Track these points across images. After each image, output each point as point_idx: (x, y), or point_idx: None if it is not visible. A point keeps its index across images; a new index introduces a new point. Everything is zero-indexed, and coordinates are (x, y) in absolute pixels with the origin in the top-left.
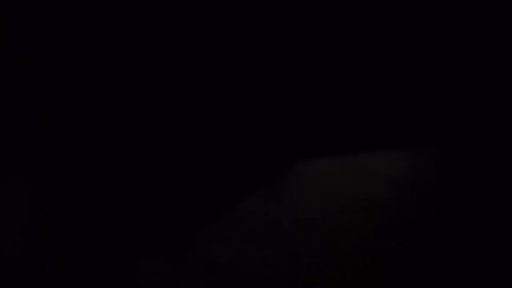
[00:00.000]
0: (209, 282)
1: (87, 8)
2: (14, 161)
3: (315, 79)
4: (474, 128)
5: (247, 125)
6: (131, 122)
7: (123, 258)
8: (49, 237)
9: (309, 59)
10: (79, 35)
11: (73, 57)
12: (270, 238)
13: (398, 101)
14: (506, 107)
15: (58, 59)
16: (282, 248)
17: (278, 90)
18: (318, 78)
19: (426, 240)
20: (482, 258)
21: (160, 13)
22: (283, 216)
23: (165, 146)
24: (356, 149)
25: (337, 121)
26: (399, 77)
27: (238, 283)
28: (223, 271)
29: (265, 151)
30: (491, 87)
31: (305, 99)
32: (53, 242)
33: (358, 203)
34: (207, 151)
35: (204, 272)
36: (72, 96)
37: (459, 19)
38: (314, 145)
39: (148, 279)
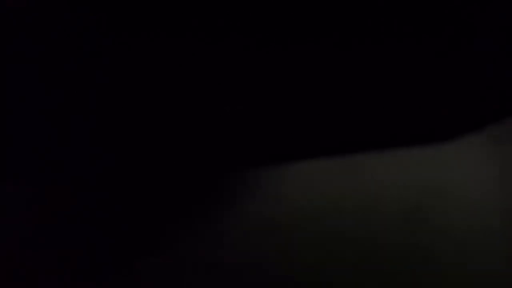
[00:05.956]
0: (209, 282)
1: (87, 7)
2: (14, 163)
3: (314, 79)
4: (474, 128)
5: (247, 125)
6: (131, 123)
7: (123, 258)
8: (48, 237)
9: (308, 59)
10: (79, 34)
11: (73, 56)
12: (270, 238)
13: (398, 101)
14: (506, 108)
15: (58, 59)
16: (282, 248)
17: (277, 90)
18: (317, 78)
19: (426, 241)
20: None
21: (160, 12)
22: (283, 216)
23: (164, 146)
24: (356, 149)
25: (336, 121)
26: (399, 77)
27: (238, 283)
28: (223, 271)
29: (264, 151)
30: (491, 87)
31: (304, 99)
32: (52, 242)
33: (358, 203)
34: (206, 151)
35: (204, 272)
36: (72, 96)
37: (458, 19)
38: (314, 145)
39: (148, 279)
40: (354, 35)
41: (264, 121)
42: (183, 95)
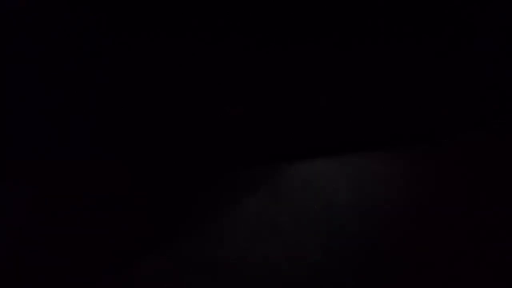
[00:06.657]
0: (209, 282)
1: (87, 7)
2: (14, 163)
3: (313, 79)
4: (474, 128)
5: (247, 125)
6: (131, 123)
7: (123, 258)
8: (48, 237)
9: (308, 59)
10: (79, 34)
11: (73, 56)
12: (270, 238)
13: (397, 101)
14: (505, 107)
15: (58, 59)
16: (282, 248)
17: (276, 90)
18: (316, 78)
19: (427, 241)
20: (483, 258)
21: (160, 12)
22: (283, 216)
23: (164, 146)
24: (355, 149)
25: (336, 121)
26: (399, 77)
27: (238, 283)
28: (223, 271)
29: (264, 150)
30: (490, 87)
31: (304, 98)
32: (52, 242)
33: (358, 203)
34: (206, 151)
35: (204, 272)
36: (72, 96)
37: (458, 19)
38: (313, 145)
39: (148, 279)
40: (354, 35)
41: (264, 121)
42: (183, 95)
